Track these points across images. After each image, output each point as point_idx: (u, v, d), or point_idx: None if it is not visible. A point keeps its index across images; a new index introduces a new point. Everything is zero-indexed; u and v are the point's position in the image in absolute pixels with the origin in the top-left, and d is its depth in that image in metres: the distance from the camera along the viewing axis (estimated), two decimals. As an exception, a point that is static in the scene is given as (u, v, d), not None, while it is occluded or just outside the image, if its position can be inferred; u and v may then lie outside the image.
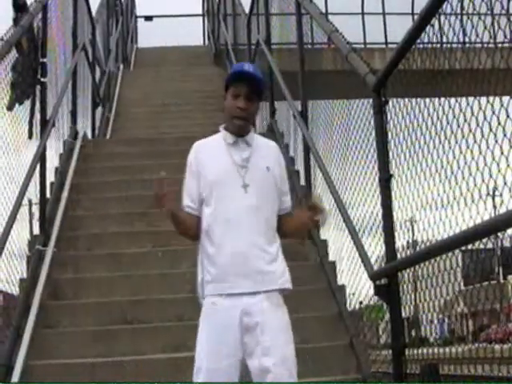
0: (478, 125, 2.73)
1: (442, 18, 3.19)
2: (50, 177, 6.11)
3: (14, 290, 4.79)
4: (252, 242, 2.82)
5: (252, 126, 3.06)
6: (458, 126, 3.01)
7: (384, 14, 15.11)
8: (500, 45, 2.62)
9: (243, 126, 2.95)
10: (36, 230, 5.48)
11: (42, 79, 5.78)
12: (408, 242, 3.96)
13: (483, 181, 2.71)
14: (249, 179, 2.87)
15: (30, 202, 5.87)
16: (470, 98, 2.87)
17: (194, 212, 2.92)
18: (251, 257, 2.80)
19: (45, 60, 5.87)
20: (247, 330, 2.72)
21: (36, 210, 6.19)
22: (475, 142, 2.78)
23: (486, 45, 2.74)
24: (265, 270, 2.82)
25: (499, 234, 3.41)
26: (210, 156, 2.97)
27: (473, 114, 2.80)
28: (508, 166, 2.52)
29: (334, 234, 5.31)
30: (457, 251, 3.26)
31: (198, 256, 2.91)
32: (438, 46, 3.36)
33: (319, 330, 4.63)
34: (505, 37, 2.86)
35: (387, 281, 3.75)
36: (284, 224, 3.02)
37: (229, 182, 2.87)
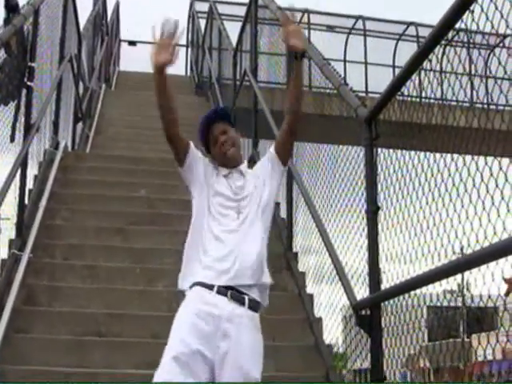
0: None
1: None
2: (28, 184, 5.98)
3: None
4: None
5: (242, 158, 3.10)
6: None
7: (366, 63, 15.38)
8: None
9: (235, 154, 3.02)
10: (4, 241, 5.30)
11: (29, 83, 5.68)
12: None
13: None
14: (243, 207, 2.90)
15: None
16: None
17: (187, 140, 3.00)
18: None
19: (33, 64, 5.78)
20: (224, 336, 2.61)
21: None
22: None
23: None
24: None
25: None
26: (212, 173, 3.00)
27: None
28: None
29: (314, 266, 5.31)
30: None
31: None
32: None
33: (295, 359, 4.56)
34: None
35: (369, 311, 3.75)
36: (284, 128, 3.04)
37: (225, 205, 2.90)
